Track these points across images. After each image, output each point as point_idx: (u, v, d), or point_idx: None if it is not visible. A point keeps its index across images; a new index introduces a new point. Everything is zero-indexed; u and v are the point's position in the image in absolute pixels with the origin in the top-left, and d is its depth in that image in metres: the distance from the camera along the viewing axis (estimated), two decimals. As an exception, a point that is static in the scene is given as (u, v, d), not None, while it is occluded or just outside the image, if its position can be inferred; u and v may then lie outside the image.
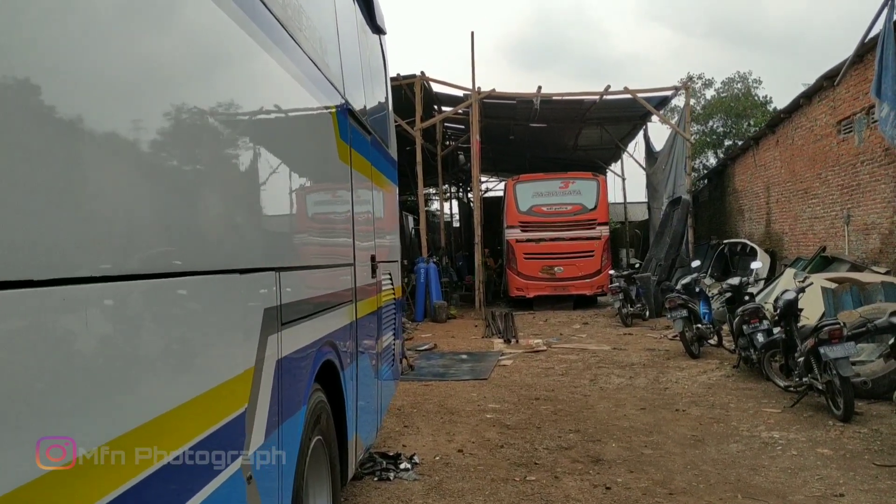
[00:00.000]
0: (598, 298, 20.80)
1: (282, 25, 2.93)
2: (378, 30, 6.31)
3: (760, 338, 8.84)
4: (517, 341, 13.85)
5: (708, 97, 34.55)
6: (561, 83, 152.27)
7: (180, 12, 2.09)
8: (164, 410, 1.75)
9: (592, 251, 20.04)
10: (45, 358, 1.37)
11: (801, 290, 8.35)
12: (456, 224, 35.02)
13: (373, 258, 5.10)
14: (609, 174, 30.21)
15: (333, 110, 3.95)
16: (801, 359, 7.49)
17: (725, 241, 19.05)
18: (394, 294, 6.34)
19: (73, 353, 1.45)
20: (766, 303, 10.59)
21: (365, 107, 5.24)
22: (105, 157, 1.65)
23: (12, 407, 1.26)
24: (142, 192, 1.81)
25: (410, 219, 26.75)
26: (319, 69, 3.67)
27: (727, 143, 31.85)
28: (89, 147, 1.58)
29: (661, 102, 22.33)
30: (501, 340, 14.08)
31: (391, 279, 6.15)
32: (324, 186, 3.88)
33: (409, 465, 6.02)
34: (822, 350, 6.92)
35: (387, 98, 6.76)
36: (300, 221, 3.33)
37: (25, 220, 1.32)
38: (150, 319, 1.81)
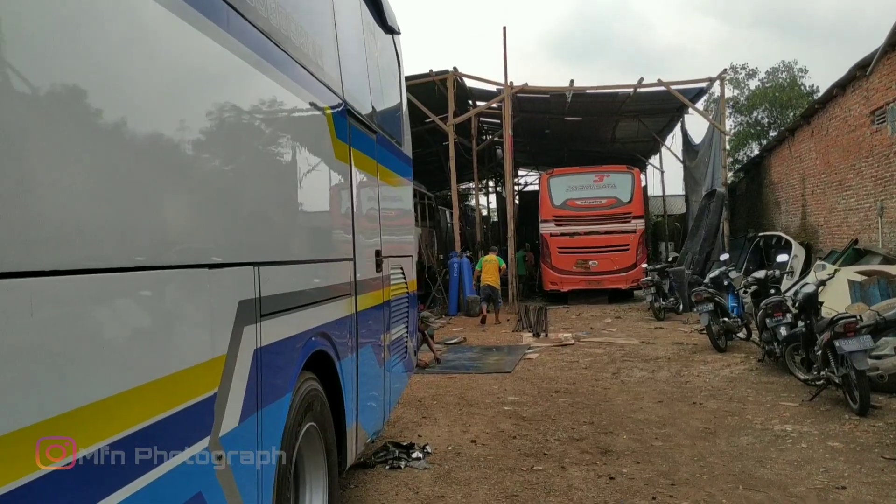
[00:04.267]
0: (634, 292, 20.70)
1: (267, 38, 3.11)
2: (390, 30, 6.46)
3: (783, 331, 8.80)
4: (546, 335, 13.94)
5: (752, 87, 33.96)
6: (605, 77, 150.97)
7: (154, 34, 2.27)
8: (126, 388, 1.95)
9: (627, 245, 19.95)
10: (25, 343, 1.59)
11: (822, 283, 8.29)
12: (495, 219, 35.11)
13: (377, 253, 5.25)
14: (648, 167, 30.01)
15: (329, 112, 4.13)
16: (819, 352, 7.46)
17: (761, 234, 18.78)
18: (406, 288, 6.46)
19: (44, 335, 1.67)
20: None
21: (372, 107, 5.39)
22: (96, 157, 1.89)
23: None
24: (137, 193, 2.08)
25: (447, 213, 26.96)
26: (313, 74, 3.84)
27: (772, 133, 31.26)
28: (74, 145, 1.81)
29: (698, 94, 22.05)
30: (531, 334, 14.18)
31: (402, 274, 6.27)
32: (318, 185, 4.05)
33: (420, 455, 6.19)
34: (837, 343, 6.88)
35: (400, 97, 6.88)
36: (285, 217, 3.50)
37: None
38: (124, 307, 2.04)
